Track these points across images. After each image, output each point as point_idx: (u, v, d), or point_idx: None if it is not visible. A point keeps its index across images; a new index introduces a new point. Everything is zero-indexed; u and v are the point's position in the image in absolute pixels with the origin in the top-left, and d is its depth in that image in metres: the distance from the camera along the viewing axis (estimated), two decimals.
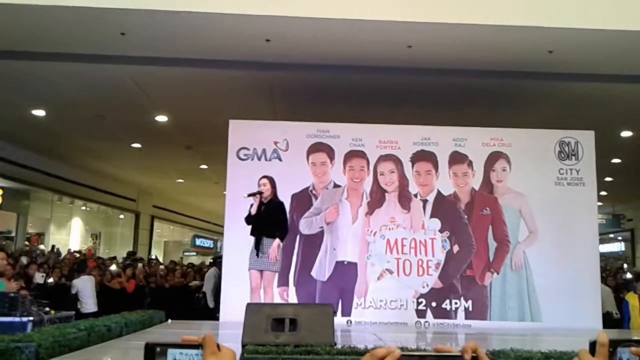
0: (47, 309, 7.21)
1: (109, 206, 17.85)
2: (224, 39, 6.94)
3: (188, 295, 10.85)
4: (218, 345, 0.98)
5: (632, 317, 7.54)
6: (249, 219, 7.55)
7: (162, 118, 10.17)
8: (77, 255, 14.55)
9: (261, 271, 7.51)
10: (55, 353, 4.10)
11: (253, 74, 7.98)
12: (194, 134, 11.05)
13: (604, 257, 16.43)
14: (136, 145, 12.20)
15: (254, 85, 8.51)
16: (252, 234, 7.58)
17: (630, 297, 7.71)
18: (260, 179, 7.67)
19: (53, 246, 14.63)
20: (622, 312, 7.78)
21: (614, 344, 0.94)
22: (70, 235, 17.40)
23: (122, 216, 19.21)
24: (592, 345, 0.94)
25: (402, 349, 0.97)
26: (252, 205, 7.53)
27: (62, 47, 7.23)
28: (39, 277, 8.56)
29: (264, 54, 7.33)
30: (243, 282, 7.57)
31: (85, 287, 9.33)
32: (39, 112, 9.91)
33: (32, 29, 6.68)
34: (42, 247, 15.20)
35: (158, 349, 0.95)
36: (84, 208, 17.61)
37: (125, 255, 16.14)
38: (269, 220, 7.57)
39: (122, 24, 6.56)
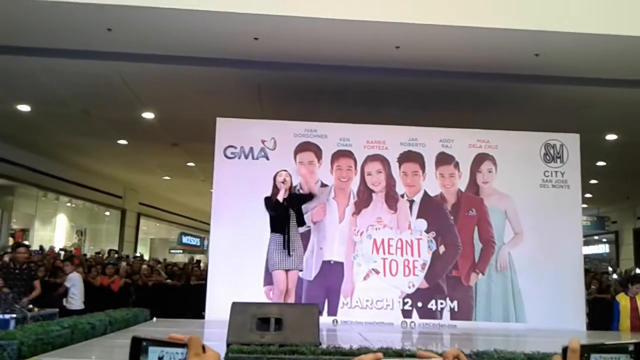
0: (31, 306, 7.14)
1: (94, 203, 17.71)
2: (212, 37, 6.91)
3: (172, 293, 10.77)
4: (203, 347, 0.98)
5: (621, 319, 7.48)
6: (275, 205, 6.43)
7: (148, 115, 10.11)
8: (62, 252, 14.40)
9: (287, 271, 6.39)
10: (37, 351, 4.07)
11: (241, 72, 7.95)
12: (180, 131, 10.99)
13: (588, 259, 16.58)
14: (122, 141, 12.12)
15: (241, 83, 8.48)
16: (277, 231, 6.44)
17: (622, 298, 7.64)
18: (282, 172, 6.54)
19: (41, 246, 14.48)
20: (612, 313, 7.73)
21: (586, 349, 0.94)
22: (55, 231, 17.22)
23: (107, 213, 19.05)
24: (565, 351, 0.94)
25: (387, 349, 0.97)
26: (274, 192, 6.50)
27: (47, 42, 7.17)
28: None
29: (252, 52, 7.32)
30: (229, 281, 7.55)
31: (78, 283, 9.26)
32: (24, 107, 9.81)
33: (16, 24, 6.61)
34: (26, 242, 15.01)
35: (144, 344, 0.96)
36: (69, 204, 17.42)
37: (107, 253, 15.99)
38: (294, 213, 6.58)
39: (108, 20, 6.51)
